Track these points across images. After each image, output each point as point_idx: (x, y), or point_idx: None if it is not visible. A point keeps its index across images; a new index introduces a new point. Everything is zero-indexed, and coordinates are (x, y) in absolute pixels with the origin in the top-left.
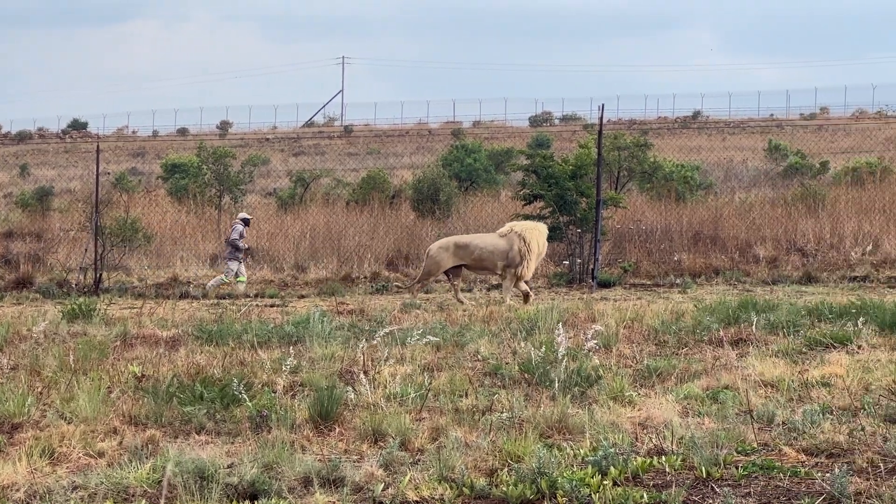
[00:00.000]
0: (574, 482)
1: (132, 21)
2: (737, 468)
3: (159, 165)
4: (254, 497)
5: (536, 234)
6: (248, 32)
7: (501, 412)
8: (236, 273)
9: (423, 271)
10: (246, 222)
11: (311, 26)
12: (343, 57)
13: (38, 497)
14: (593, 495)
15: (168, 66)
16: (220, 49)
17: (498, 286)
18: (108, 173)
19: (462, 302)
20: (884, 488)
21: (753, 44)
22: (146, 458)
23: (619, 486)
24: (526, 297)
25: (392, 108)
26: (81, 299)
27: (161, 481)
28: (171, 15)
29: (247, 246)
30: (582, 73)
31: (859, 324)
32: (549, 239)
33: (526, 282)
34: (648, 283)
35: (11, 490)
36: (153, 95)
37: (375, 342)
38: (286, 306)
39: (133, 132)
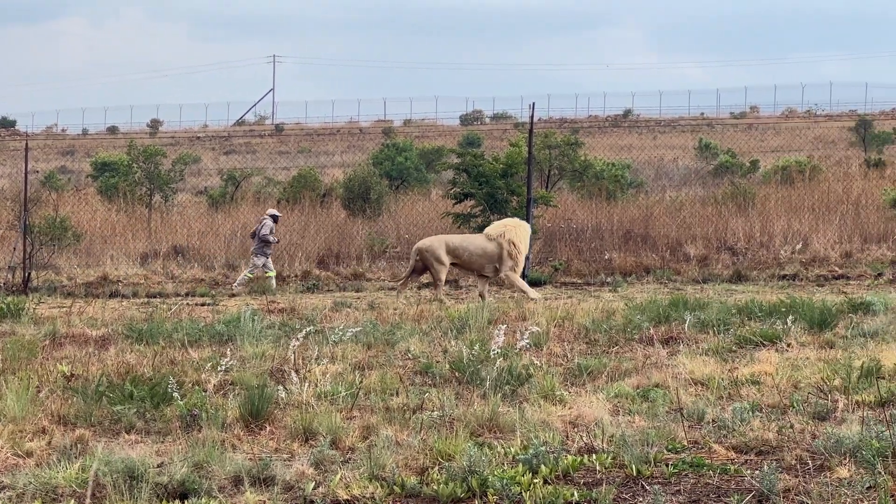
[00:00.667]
0: (505, 480)
1: (61, 19)
2: (667, 466)
3: (89, 164)
4: (184, 496)
5: (523, 233)
6: (179, 31)
7: (432, 411)
8: (264, 267)
9: (434, 271)
10: (275, 219)
11: (241, 25)
12: (274, 56)
13: None
14: (524, 494)
15: (98, 64)
16: (151, 47)
17: (428, 285)
18: (37, 171)
19: (443, 301)
20: (812, 485)
21: (684, 43)
22: (75, 457)
23: (549, 484)
24: (482, 296)
25: (323, 107)
26: (10, 298)
27: (92, 481)
28: (101, 13)
29: (276, 239)
30: (513, 72)
31: (788, 322)
32: None
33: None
34: (579, 281)
35: None
36: (83, 93)
37: (297, 343)
38: (217, 305)
39: (62, 130)
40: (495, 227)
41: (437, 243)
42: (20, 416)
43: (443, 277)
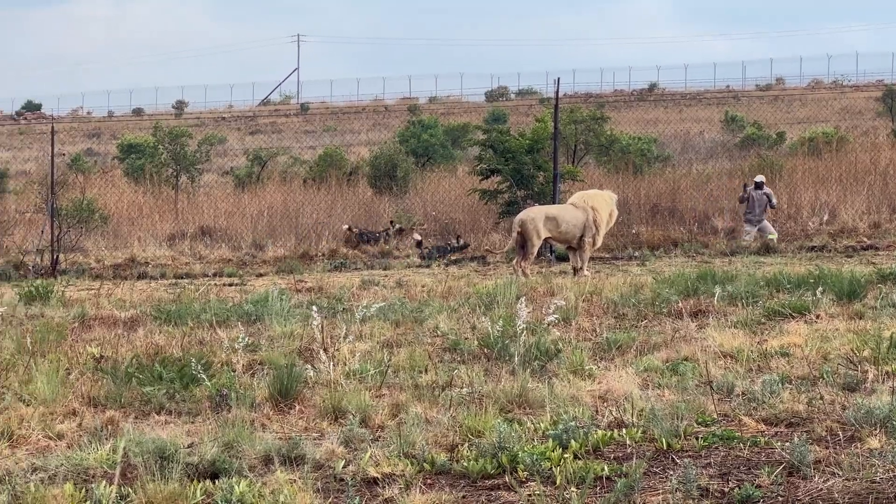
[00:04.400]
0: (535, 456)
1: (83, 1)
2: (697, 439)
3: (115, 146)
4: (214, 476)
5: (602, 202)
6: (202, 11)
7: (461, 387)
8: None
9: (530, 244)
10: (759, 185)
11: (265, 4)
12: (298, 35)
13: None
14: (554, 469)
15: (121, 45)
16: (174, 28)
17: (457, 261)
18: (64, 154)
19: (527, 276)
20: (843, 456)
21: (708, 16)
22: (106, 439)
23: (579, 459)
24: (575, 271)
25: (348, 85)
26: (38, 281)
27: (121, 462)
28: None
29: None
30: (537, 47)
31: (817, 293)
32: (507, 213)
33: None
34: (607, 256)
35: None
36: (107, 76)
37: (317, 321)
38: (245, 285)
39: (88, 113)
40: (579, 196)
41: (538, 216)
42: (51, 399)
43: (535, 251)
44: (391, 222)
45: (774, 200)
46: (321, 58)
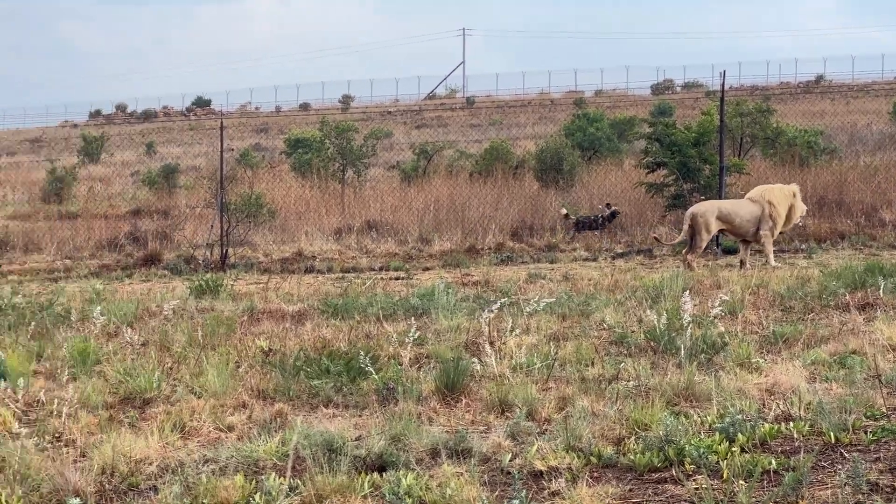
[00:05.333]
0: (701, 449)
1: None
2: (866, 433)
3: (282, 141)
4: (382, 469)
5: (780, 196)
6: (367, 6)
7: (628, 381)
8: None
9: (699, 238)
10: None
11: None
12: (463, 29)
13: (170, 470)
14: (721, 462)
15: (288, 41)
16: (338, 23)
17: (623, 254)
18: (233, 149)
19: (694, 269)
20: None
21: (876, 6)
22: (275, 431)
23: (746, 452)
24: (742, 263)
25: (513, 79)
26: (208, 275)
27: (292, 454)
28: None
29: None
30: (703, 40)
31: None
32: (673, 206)
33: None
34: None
35: (144, 464)
36: (274, 71)
37: (490, 315)
38: (411, 279)
39: (256, 108)
40: (758, 190)
41: (710, 210)
42: (221, 391)
43: (704, 245)
44: (607, 204)
45: None
46: (486, 52)
